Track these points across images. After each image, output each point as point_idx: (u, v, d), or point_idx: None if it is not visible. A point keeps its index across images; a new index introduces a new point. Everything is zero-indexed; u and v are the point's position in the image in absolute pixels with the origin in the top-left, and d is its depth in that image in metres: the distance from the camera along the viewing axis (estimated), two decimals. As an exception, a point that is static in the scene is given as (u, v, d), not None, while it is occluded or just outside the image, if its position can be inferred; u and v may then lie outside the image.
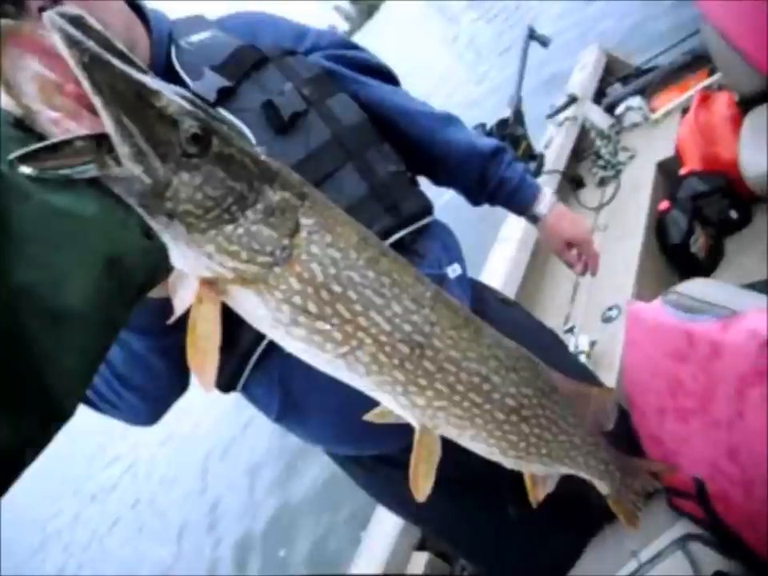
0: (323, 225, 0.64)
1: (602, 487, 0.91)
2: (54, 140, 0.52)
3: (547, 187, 1.39)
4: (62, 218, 0.52)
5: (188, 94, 0.59)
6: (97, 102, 0.52)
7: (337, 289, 0.63)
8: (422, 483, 0.73)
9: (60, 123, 0.53)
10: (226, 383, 1.06)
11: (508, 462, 0.80)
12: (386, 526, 1.78)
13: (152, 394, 1.01)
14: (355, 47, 1.27)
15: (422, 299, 0.68)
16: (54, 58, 0.52)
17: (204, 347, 0.60)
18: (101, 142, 0.53)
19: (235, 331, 0.95)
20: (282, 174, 0.63)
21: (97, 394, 0.98)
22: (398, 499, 1.27)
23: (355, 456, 1.19)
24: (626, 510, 0.93)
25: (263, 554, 4.63)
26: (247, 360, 1.02)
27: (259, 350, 1.00)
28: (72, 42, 0.50)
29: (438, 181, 1.35)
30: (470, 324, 0.72)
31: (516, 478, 1.10)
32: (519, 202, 1.34)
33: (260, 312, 0.63)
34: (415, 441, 0.72)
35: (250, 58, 1.05)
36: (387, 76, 1.28)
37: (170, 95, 0.57)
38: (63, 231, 0.52)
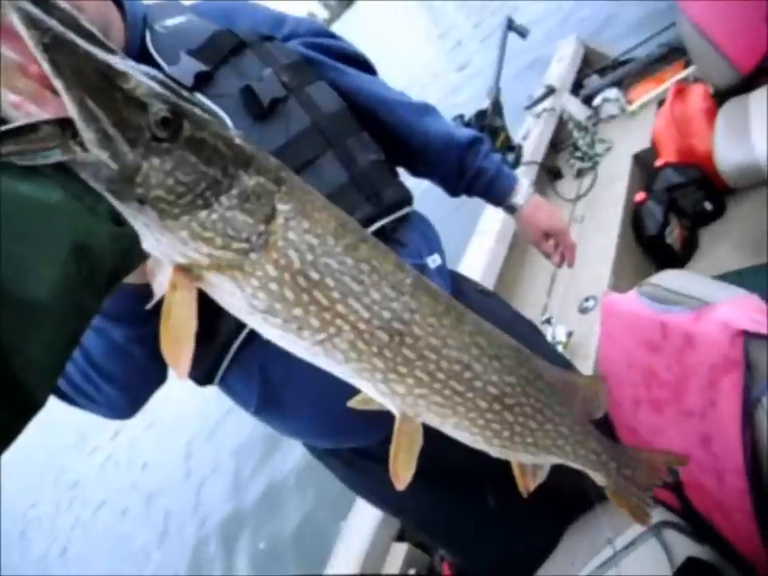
0: (300, 210, 0.63)
1: (598, 478, 0.88)
2: (16, 124, 0.49)
3: (524, 178, 1.39)
4: (26, 206, 0.51)
5: (159, 75, 0.57)
6: (58, 85, 0.50)
7: (314, 276, 0.62)
8: (402, 472, 0.72)
9: (21, 107, 0.50)
10: (203, 376, 1.04)
11: (493, 451, 0.79)
12: (365, 518, 1.78)
13: (130, 385, 0.99)
14: (333, 36, 1.26)
15: (401, 286, 0.67)
16: (15, 38, 0.49)
17: (178, 335, 0.59)
18: (65, 126, 0.51)
19: (214, 322, 0.94)
20: (257, 158, 0.61)
21: (73, 387, 0.95)
22: (377, 492, 1.27)
23: (333, 449, 1.19)
24: (629, 503, 0.89)
25: (251, 534, 4.66)
26: (226, 351, 1.00)
27: (238, 341, 0.99)
28: (31, 22, 0.48)
29: (415, 171, 1.35)
30: (451, 311, 0.71)
31: (496, 468, 1.10)
32: (496, 192, 1.34)
33: (236, 299, 0.62)
34: (395, 429, 0.71)
35: (227, 42, 1.03)
36: (364, 65, 1.27)
37: (138, 77, 0.54)
38: (27, 220, 0.51)
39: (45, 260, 0.51)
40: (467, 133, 1.30)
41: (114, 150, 0.53)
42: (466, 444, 0.78)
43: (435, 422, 0.74)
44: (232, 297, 0.62)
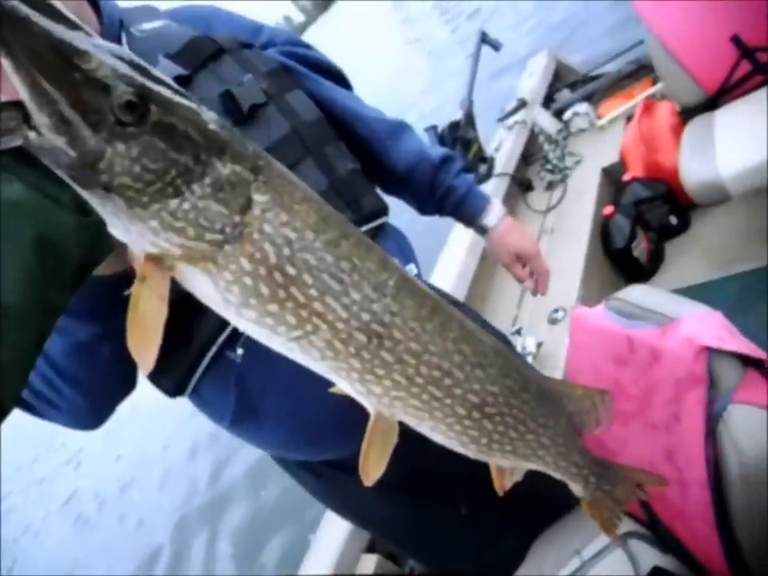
0: (278, 202, 0.60)
1: (575, 489, 0.88)
2: None
3: (497, 200, 1.38)
4: None
5: (129, 54, 0.55)
6: (6, 64, 0.47)
7: (291, 271, 0.60)
8: (372, 470, 0.70)
9: None
10: (175, 385, 1.01)
11: (470, 455, 0.77)
12: (335, 529, 1.78)
13: (94, 389, 0.94)
14: (309, 47, 1.26)
15: (383, 287, 0.64)
16: None
17: (146, 326, 0.57)
18: (22, 109, 0.49)
19: (189, 327, 0.92)
20: (233, 145, 0.59)
21: (33, 393, 0.90)
22: (348, 505, 1.27)
23: (305, 461, 1.18)
24: (602, 516, 0.89)
25: (230, 518, 4.73)
26: (202, 358, 0.97)
27: (215, 346, 0.96)
28: None
29: (386, 188, 1.34)
30: (436, 316, 0.68)
31: (467, 478, 1.10)
32: (467, 211, 1.33)
33: (209, 292, 0.60)
34: (369, 426, 0.70)
35: (206, 48, 1.02)
36: (339, 77, 1.27)
37: (101, 56, 0.51)
38: None
39: (5, 259, 0.50)
40: (440, 151, 1.30)
41: (73, 134, 0.50)
42: (442, 445, 0.77)
43: (412, 423, 0.72)
44: (205, 290, 0.60)
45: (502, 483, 0.81)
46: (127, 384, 1.00)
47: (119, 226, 0.56)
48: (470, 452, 0.76)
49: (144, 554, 5.21)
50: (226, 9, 1.20)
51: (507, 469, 0.81)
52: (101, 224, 0.56)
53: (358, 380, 0.67)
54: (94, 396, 0.94)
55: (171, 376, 0.99)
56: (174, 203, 0.55)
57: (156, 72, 0.56)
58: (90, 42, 0.51)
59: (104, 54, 0.52)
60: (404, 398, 0.69)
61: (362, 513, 1.29)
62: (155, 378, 1.00)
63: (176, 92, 0.57)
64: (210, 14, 1.14)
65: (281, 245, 0.59)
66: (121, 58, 0.53)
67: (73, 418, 0.96)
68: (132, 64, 0.54)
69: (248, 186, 0.58)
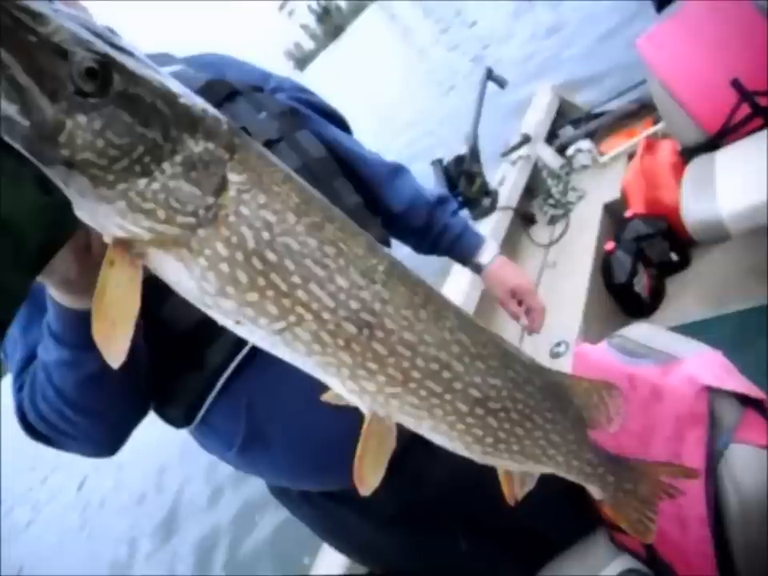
0: (256, 182, 0.56)
1: (594, 491, 0.82)
2: None
3: (492, 239, 1.42)
4: None
5: (92, 22, 0.52)
6: None
7: (271, 257, 0.56)
8: (368, 476, 0.65)
9: None
10: (183, 414, 1.01)
11: (475, 457, 0.72)
12: (331, 563, 1.76)
13: (110, 417, 0.92)
14: (313, 93, 1.32)
15: (372, 273, 0.61)
16: None
17: (113, 316, 0.53)
18: None
19: (200, 352, 0.92)
20: (206, 121, 0.55)
21: (48, 426, 0.89)
22: (345, 537, 1.26)
23: (305, 493, 1.18)
24: (629, 518, 0.82)
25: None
26: (213, 384, 0.96)
27: (228, 371, 0.95)
28: None
29: (384, 227, 1.38)
30: (430, 304, 0.64)
31: (468, 507, 1.09)
32: (462, 250, 1.38)
33: (184, 280, 0.56)
34: (364, 429, 0.65)
35: (222, 89, 1.07)
36: (339, 120, 1.34)
37: (59, 20, 0.47)
38: None
39: None
40: (436, 191, 1.36)
41: (27, 102, 0.47)
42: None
43: (410, 424, 0.68)
44: (179, 278, 0.56)
45: (512, 491, 0.76)
46: (139, 407, 0.99)
47: (84, 208, 0.52)
48: (475, 454, 0.71)
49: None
50: (236, 58, 1.27)
51: (517, 475, 0.76)
52: (64, 203, 0.52)
53: (350, 377, 0.62)
54: (108, 423, 0.94)
55: (181, 403, 0.99)
56: (142, 183, 0.52)
57: (124, 43, 0.53)
58: (49, 6, 0.48)
59: (63, 19, 0.48)
60: (400, 394, 0.64)
61: (359, 545, 1.28)
62: (161, 408, 1.02)
63: (144, 64, 0.53)
64: (223, 62, 1.21)
65: (259, 228, 0.56)
66: (84, 26, 0.50)
67: (90, 447, 0.97)
68: (96, 33, 0.50)
69: (223, 165, 0.55)
